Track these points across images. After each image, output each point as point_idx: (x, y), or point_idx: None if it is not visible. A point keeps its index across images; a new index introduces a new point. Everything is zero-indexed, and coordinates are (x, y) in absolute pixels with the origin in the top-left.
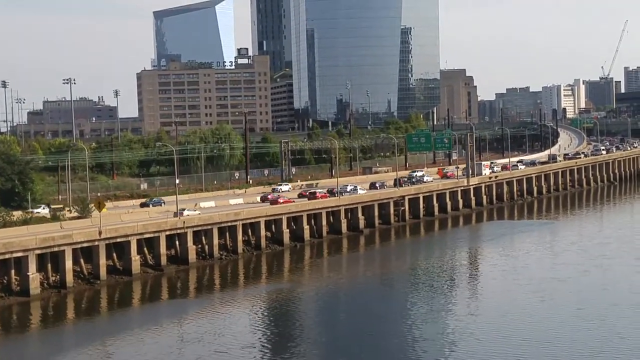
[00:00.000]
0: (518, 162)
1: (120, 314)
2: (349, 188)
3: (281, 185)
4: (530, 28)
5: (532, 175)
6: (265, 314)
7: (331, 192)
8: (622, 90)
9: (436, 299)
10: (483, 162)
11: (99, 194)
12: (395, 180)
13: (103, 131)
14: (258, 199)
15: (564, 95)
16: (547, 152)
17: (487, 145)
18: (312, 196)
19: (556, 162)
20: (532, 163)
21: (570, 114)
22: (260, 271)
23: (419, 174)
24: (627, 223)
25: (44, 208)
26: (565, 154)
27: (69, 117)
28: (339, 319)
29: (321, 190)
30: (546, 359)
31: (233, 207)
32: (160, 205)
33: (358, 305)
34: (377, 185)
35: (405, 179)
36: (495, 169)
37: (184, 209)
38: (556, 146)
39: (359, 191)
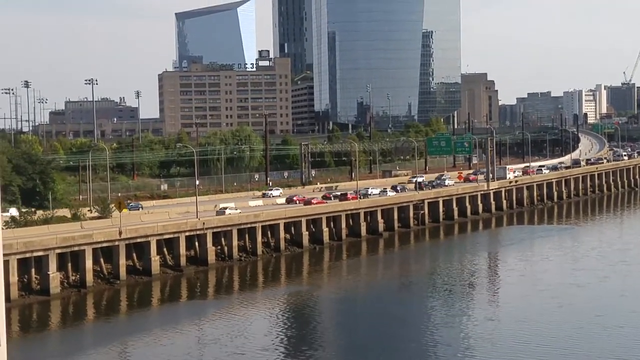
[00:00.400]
0: (540, 166)
1: (139, 314)
2: (372, 191)
3: (272, 190)
4: (552, 33)
5: (553, 180)
6: (284, 316)
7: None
8: None
9: (454, 304)
10: (507, 166)
11: (119, 194)
12: (415, 183)
13: (124, 132)
14: (283, 200)
15: (585, 101)
16: (567, 156)
17: (507, 149)
18: (343, 197)
19: (580, 166)
20: (555, 168)
21: (591, 119)
22: (279, 273)
23: (420, 179)
24: None
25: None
26: (587, 159)
27: (91, 118)
28: (358, 322)
29: (352, 191)
30: None
31: (270, 208)
32: (138, 210)
33: (376, 308)
34: (397, 188)
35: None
36: (517, 173)
37: (225, 208)
38: (577, 151)
39: (389, 193)
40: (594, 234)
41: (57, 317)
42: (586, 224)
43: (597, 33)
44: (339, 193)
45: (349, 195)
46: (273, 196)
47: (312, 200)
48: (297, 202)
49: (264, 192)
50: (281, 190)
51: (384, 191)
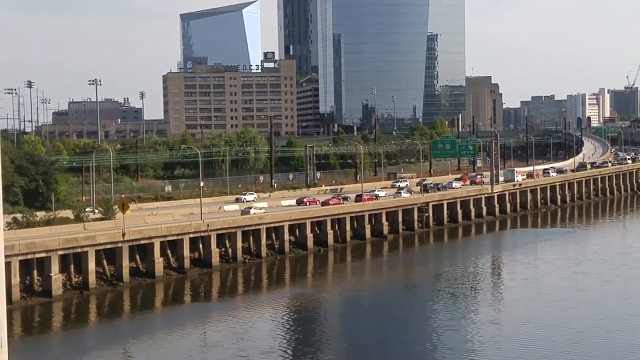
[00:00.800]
0: (546, 169)
1: (142, 317)
2: (379, 193)
3: (246, 194)
4: (556, 37)
5: (556, 183)
6: (288, 318)
7: (375, 196)
8: None
9: (458, 307)
10: (516, 169)
11: (123, 196)
12: (420, 186)
13: (128, 132)
14: (293, 202)
15: (589, 104)
16: (571, 160)
17: (511, 152)
18: (359, 198)
19: (586, 169)
20: (560, 171)
21: (594, 123)
22: (283, 275)
23: (403, 184)
24: None
25: None
26: (592, 163)
27: (94, 118)
28: (361, 325)
29: (368, 193)
30: None
31: (283, 208)
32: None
33: (380, 311)
34: (404, 190)
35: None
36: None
37: (250, 207)
38: (580, 155)
39: (403, 194)
40: (596, 237)
41: (59, 319)
42: (589, 228)
43: (601, 37)
44: (348, 195)
45: (364, 197)
46: (247, 201)
47: (330, 202)
48: (308, 203)
49: (237, 197)
50: (255, 194)
51: (398, 192)
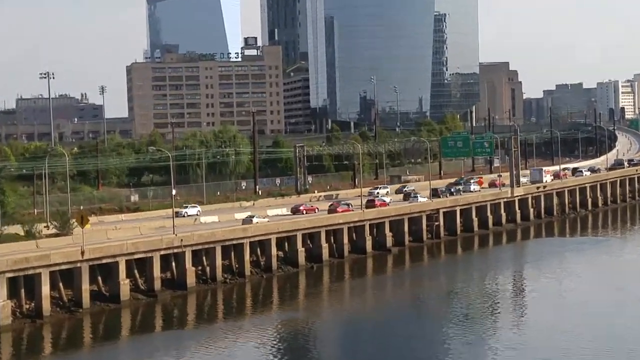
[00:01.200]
0: (577, 168)
1: (104, 348)
2: (385, 198)
3: (187, 207)
4: (584, 15)
5: (587, 184)
6: (275, 348)
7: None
8: None
9: (472, 331)
10: (544, 168)
11: (81, 207)
12: (430, 190)
13: (86, 134)
14: (287, 210)
15: (622, 93)
16: (603, 157)
17: (534, 150)
18: (371, 204)
19: (623, 167)
20: (593, 170)
21: (629, 114)
22: (270, 297)
23: (385, 190)
24: None
25: None
26: (629, 160)
27: (47, 118)
28: (361, 354)
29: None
30: None
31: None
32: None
33: (383, 338)
34: (412, 195)
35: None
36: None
37: (253, 216)
38: (613, 151)
39: (420, 199)
40: (633, 246)
41: (7, 353)
42: (624, 236)
43: (635, 15)
44: (349, 202)
45: (376, 202)
46: (188, 215)
47: (338, 209)
48: (305, 212)
49: (177, 210)
50: (199, 207)
51: (415, 197)
